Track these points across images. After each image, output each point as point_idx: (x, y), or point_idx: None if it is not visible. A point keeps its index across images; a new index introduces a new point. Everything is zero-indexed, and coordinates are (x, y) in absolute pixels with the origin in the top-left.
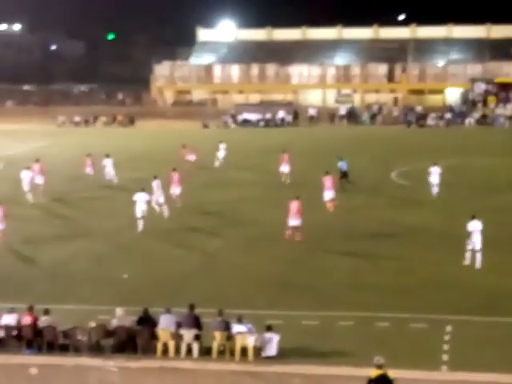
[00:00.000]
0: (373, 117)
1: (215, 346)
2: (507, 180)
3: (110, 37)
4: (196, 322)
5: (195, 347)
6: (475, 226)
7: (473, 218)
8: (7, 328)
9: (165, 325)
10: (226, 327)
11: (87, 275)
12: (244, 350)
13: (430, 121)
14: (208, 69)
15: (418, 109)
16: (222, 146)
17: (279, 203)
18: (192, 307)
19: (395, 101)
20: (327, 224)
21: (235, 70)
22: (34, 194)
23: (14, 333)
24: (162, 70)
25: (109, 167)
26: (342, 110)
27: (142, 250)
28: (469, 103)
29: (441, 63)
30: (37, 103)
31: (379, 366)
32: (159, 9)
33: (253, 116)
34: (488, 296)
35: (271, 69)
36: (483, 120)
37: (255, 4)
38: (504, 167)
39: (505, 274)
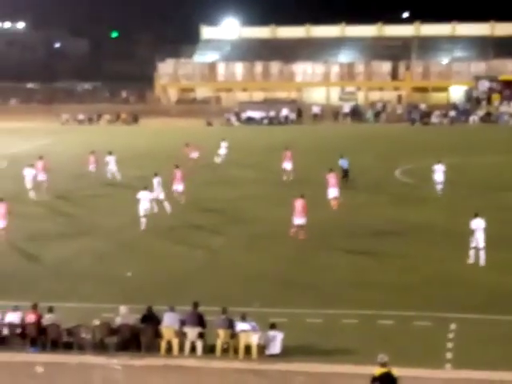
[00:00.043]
0: (377, 114)
1: (219, 343)
2: (511, 178)
3: (114, 35)
4: (200, 320)
5: (199, 345)
6: (478, 224)
7: (476, 215)
8: (11, 326)
9: (168, 323)
10: (230, 325)
11: (91, 273)
12: (248, 348)
13: (434, 118)
14: (212, 67)
15: (422, 106)
16: (224, 144)
17: (282, 201)
18: (196, 305)
19: (399, 98)
20: (331, 222)
21: (239, 68)
22: (37, 191)
23: (18, 331)
24: (165, 68)
25: (111, 164)
26: (346, 108)
27: (146, 247)
28: (473, 101)
29: (445, 61)
30: (40, 101)
31: (383, 364)
32: (163, 7)
33: (256, 114)
34: (492, 294)
35: (275, 67)
36: (487, 118)
37: (259, 2)
38: (508, 165)
39: (508, 272)
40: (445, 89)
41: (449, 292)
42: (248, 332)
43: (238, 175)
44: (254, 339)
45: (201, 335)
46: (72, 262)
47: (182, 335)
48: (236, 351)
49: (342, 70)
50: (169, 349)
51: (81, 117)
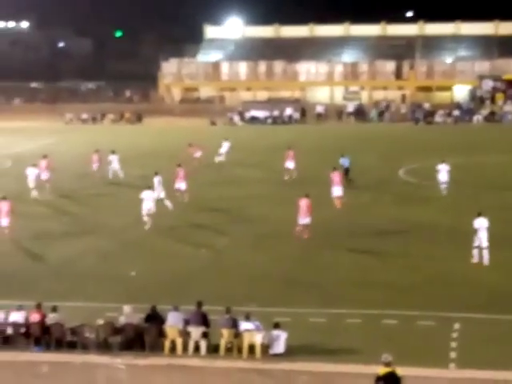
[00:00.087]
0: (380, 114)
1: (223, 343)
2: None
3: (118, 34)
4: (204, 320)
5: (203, 345)
6: (481, 223)
7: (479, 215)
8: (15, 325)
9: (172, 322)
10: (234, 324)
11: (95, 272)
12: (251, 348)
13: (438, 118)
14: (215, 66)
15: (426, 106)
16: (226, 144)
17: (286, 201)
18: (200, 304)
19: (403, 98)
20: (334, 221)
21: (243, 67)
22: (40, 190)
23: (22, 330)
24: (169, 68)
25: (114, 163)
26: (350, 107)
27: (150, 247)
28: (477, 100)
29: (449, 60)
30: (44, 100)
31: (387, 364)
32: (166, 6)
33: (260, 113)
34: (496, 293)
35: (279, 66)
36: (491, 117)
37: (263, 1)
38: None
39: None
40: (449, 88)
41: (452, 291)
42: (252, 331)
43: (241, 175)
44: (258, 339)
45: (205, 335)
46: (76, 262)
47: (185, 335)
48: (240, 351)
49: (346, 70)
50: (173, 348)
51: (84, 116)
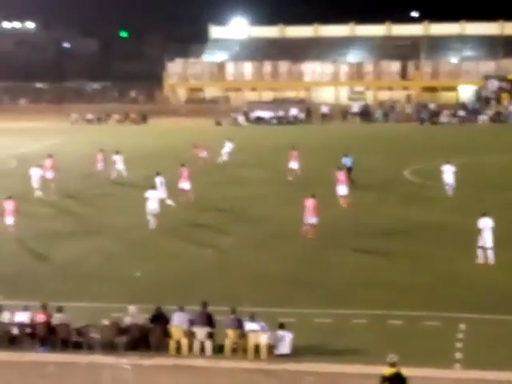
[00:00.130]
0: (386, 114)
1: (228, 343)
2: None
3: (123, 34)
4: (209, 320)
5: (208, 345)
6: (486, 223)
7: (483, 215)
8: (21, 326)
9: (178, 322)
10: (239, 325)
11: (100, 273)
12: (257, 348)
13: (444, 118)
14: (220, 66)
15: (431, 106)
16: (228, 144)
17: (290, 201)
18: (205, 305)
19: (408, 98)
20: (339, 221)
21: (248, 68)
22: (44, 190)
23: (28, 330)
24: (174, 68)
25: (118, 164)
26: (355, 108)
27: (154, 247)
28: (482, 100)
29: (454, 60)
30: (50, 101)
31: (393, 364)
32: (172, 6)
33: (265, 113)
34: (501, 294)
35: (284, 66)
36: (497, 117)
37: (268, 1)
38: None
39: None
40: (454, 88)
41: (458, 292)
42: (257, 332)
43: (245, 175)
44: (263, 339)
45: (210, 335)
46: (81, 262)
47: (191, 335)
48: (245, 351)
49: (351, 70)
50: (178, 348)
51: (90, 116)
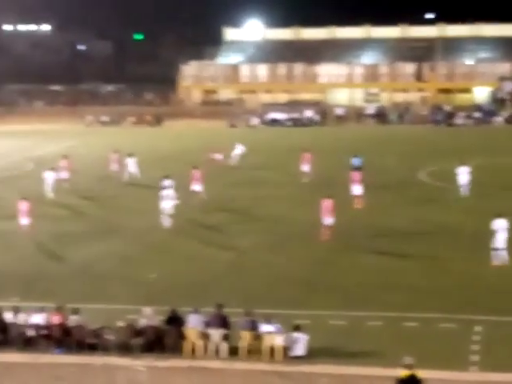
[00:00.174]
0: (401, 116)
1: (243, 345)
2: None
3: (138, 37)
4: (224, 322)
5: (223, 347)
6: (500, 225)
7: (498, 216)
8: (36, 327)
9: (193, 324)
10: (254, 327)
11: (115, 274)
12: (272, 350)
13: (459, 120)
14: (235, 68)
15: (447, 108)
16: (239, 147)
17: (306, 203)
18: (220, 307)
19: (423, 100)
20: (354, 222)
21: (262, 70)
22: (58, 190)
23: (44, 332)
24: (189, 70)
25: (131, 166)
26: (370, 110)
27: (169, 248)
28: (497, 102)
29: (469, 62)
30: (65, 103)
31: (408, 367)
32: (186, 9)
33: (280, 115)
34: None
35: (299, 68)
36: None
37: (283, 3)
38: None
39: None
40: (469, 90)
41: (473, 294)
42: (272, 334)
43: (260, 177)
44: (279, 341)
45: (225, 337)
46: (96, 264)
47: (206, 337)
48: (260, 353)
49: (366, 72)
50: (193, 350)
51: (105, 119)
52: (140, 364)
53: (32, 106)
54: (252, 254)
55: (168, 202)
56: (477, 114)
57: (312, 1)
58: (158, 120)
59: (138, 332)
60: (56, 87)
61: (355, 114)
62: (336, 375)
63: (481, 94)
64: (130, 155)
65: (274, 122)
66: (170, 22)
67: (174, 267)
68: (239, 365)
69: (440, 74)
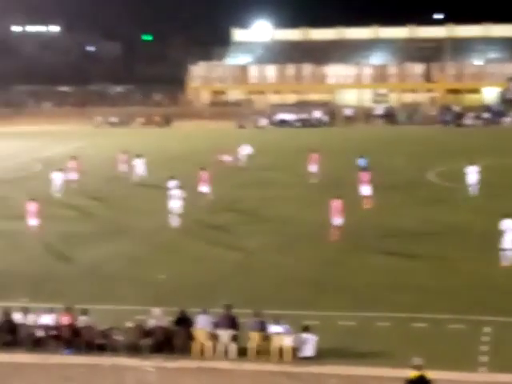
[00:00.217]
0: (409, 116)
1: (252, 346)
2: None
3: (147, 38)
4: (233, 323)
5: (232, 348)
6: (509, 225)
7: (507, 216)
8: (46, 328)
9: (201, 325)
10: (263, 327)
11: (124, 275)
12: (281, 351)
13: (468, 120)
14: (244, 69)
15: (456, 108)
16: (245, 147)
17: (314, 203)
18: (228, 307)
19: (432, 100)
20: (363, 223)
21: (271, 70)
22: (67, 192)
23: (53, 333)
24: (197, 71)
25: (139, 168)
26: (379, 110)
27: (178, 249)
28: (507, 102)
29: (478, 62)
30: (74, 104)
31: (417, 367)
32: (195, 9)
33: (289, 116)
34: None
35: (307, 69)
36: None
37: (291, 4)
38: None
39: None
40: (478, 90)
41: (482, 294)
42: (281, 334)
43: (268, 177)
44: (287, 342)
45: (234, 338)
46: (105, 264)
47: (214, 338)
48: (269, 354)
49: (375, 72)
50: (202, 351)
51: (114, 120)
52: (149, 365)
53: (40, 107)
54: (260, 255)
55: (176, 201)
56: (486, 115)
57: (320, 1)
58: (166, 121)
59: (147, 333)
60: (65, 88)
61: (364, 115)
62: (345, 376)
63: (490, 94)
64: (139, 156)
65: (283, 122)
66: (178, 23)
67: (182, 268)
68: (248, 366)
69: (449, 74)
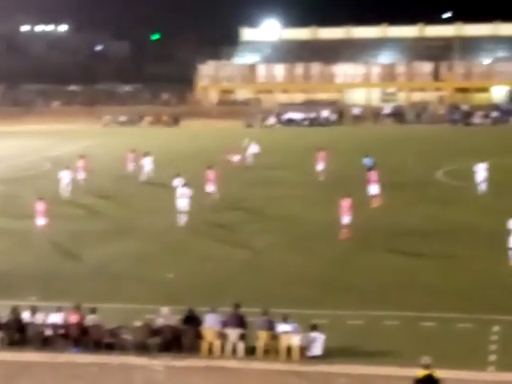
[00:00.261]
0: (418, 115)
1: (260, 345)
2: None
3: (155, 37)
4: (241, 322)
5: (240, 346)
6: None
7: None
8: (54, 327)
9: (210, 324)
10: (271, 326)
11: (132, 274)
12: (289, 350)
13: (476, 119)
14: (252, 68)
15: (464, 107)
16: (253, 147)
17: (322, 202)
18: (237, 306)
19: (441, 99)
20: (372, 222)
21: (279, 70)
22: (75, 191)
23: (61, 331)
24: (206, 70)
25: (147, 166)
26: (387, 109)
27: (186, 248)
28: None
29: (487, 61)
30: (82, 103)
31: (426, 366)
32: (203, 9)
33: (297, 115)
34: None
35: (315, 68)
36: None
37: (299, 3)
38: None
39: None
40: (487, 89)
41: (491, 294)
42: (289, 333)
43: (276, 176)
44: (296, 341)
45: (242, 336)
46: (114, 263)
47: (223, 336)
48: (277, 352)
49: (383, 71)
50: (210, 350)
51: (122, 119)
52: (157, 363)
53: (49, 106)
54: (268, 254)
55: (183, 200)
56: (494, 114)
57: (329, 0)
58: (175, 120)
59: (155, 331)
60: (73, 87)
61: (372, 114)
62: (353, 375)
63: (498, 93)
64: (146, 154)
65: (291, 121)
66: (186, 22)
67: (190, 267)
68: (256, 364)
69: (457, 73)
